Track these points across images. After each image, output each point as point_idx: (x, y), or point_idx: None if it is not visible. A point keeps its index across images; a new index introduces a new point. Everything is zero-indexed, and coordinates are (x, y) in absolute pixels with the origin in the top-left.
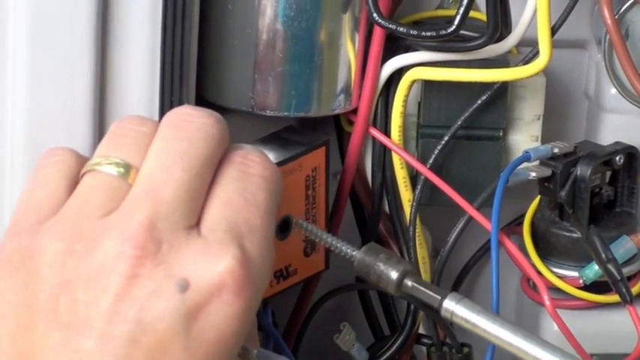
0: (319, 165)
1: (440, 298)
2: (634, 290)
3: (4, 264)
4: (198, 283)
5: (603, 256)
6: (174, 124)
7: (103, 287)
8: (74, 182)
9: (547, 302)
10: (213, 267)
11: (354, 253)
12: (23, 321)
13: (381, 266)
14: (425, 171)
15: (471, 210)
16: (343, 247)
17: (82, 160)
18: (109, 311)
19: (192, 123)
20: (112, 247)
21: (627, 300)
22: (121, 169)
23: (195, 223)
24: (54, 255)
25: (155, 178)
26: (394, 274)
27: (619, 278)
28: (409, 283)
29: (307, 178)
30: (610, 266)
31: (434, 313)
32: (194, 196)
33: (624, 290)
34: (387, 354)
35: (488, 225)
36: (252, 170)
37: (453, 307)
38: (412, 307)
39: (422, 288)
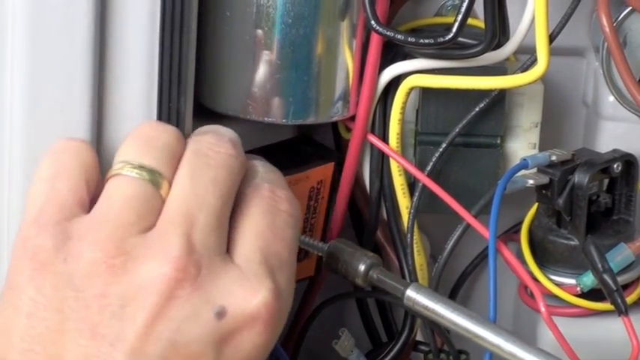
0: (325, 179)
1: (403, 288)
2: (632, 298)
3: (30, 259)
4: (235, 312)
5: (599, 266)
6: (202, 152)
7: (140, 305)
8: (92, 177)
9: (542, 309)
10: (250, 298)
11: (324, 248)
12: (53, 325)
13: (349, 259)
14: (423, 178)
15: (468, 217)
16: (314, 243)
17: (94, 154)
18: (144, 329)
19: (218, 153)
20: (154, 267)
21: (622, 311)
22: (156, 179)
23: (225, 249)
24: (91, 265)
25: (189, 202)
26: (361, 267)
27: (614, 289)
28: (375, 275)
29: (312, 190)
30: (606, 276)
31: (431, 321)
32: (223, 224)
33: (619, 301)
34: None
35: (486, 233)
36: (280, 206)
37: (415, 295)
38: (410, 314)
39: (386, 279)
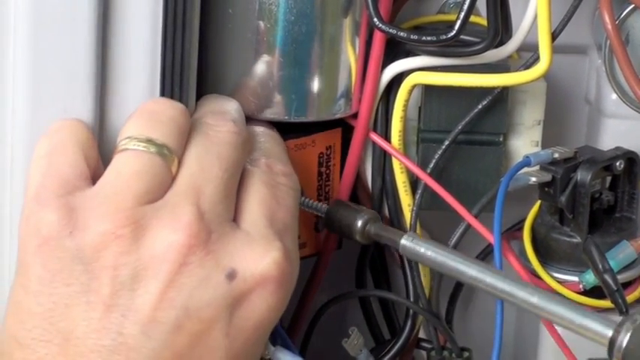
0: (335, 144)
1: (397, 238)
2: (633, 295)
3: (34, 235)
4: (246, 273)
5: (600, 266)
6: (206, 132)
7: (153, 274)
8: (90, 153)
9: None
10: (262, 259)
11: (324, 208)
12: (61, 300)
13: (347, 216)
14: (424, 176)
15: (469, 217)
16: (314, 204)
17: (91, 132)
18: (157, 297)
19: (221, 132)
20: (165, 236)
21: (623, 311)
22: (163, 152)
23: (233, 217)
24: (99, 236)
25: (196, 176)
26: (359, 222)
27: (615, 289)
28: (372, 229)
29: (321, 155)
30: (606, 276)
31: (434, 317)
32: (230, 194)
33: (620, 301)
34: (387, 357)
35: (486, 232)
36: (279, 179)
37: (409, 243)
38: (411, 310)
39: (382, 232)
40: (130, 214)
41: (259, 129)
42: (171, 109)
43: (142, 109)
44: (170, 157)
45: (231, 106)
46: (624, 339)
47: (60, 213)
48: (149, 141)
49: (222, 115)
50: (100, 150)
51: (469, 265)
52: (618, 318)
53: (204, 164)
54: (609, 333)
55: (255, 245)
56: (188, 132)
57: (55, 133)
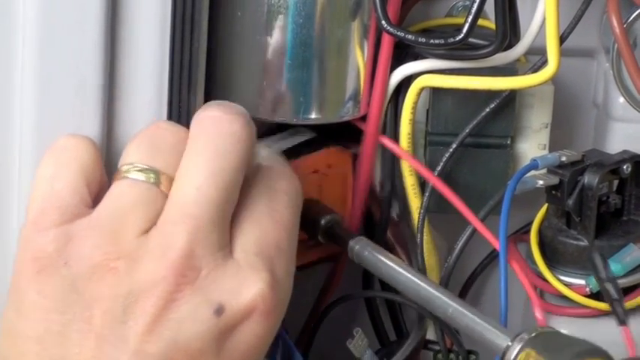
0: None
1: (348, 240)
2: None
3: (32, 262)
4: (232, 307)
5: (603, 274)
6: (204, 133)
7: (141, 307)
8: (93, 177)
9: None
10: (246, 291)
11: None
12: (55, 327)
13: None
14: (432, 179)
15: (474, 221)
16: None
17: (97, 152)
18: (145, 330)
19: (222, 133)
20: (153, 271)
21: (621, 321)
22: (163, 180)
23: (228, 241)
24: (92, 268)
25: (189, 200)
26: (322, 221)
27: (616, 298)
28: (330, 228)
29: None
30: (608, 285)
31: (441, 320)
32: (227, 215)
33: (619, 310)
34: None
35: (491, 237)
36: (277, 186)
37: (357, 246)
38: (419, 314)
39: (338, 232)
40: (123, 248)
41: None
42: (175, 136)
43: (146, 133)
44: (159, 174)
45: (235, 112)
46: (512, 353)
47: (57, 243)
48: (150, 170)
49: (227, 110)
50: (109, 152)
51: (400, 272)
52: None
53: (197, 181)
54: (503, 345)
55: (243, 277)
56: (183, 146)
57: (59, 153)
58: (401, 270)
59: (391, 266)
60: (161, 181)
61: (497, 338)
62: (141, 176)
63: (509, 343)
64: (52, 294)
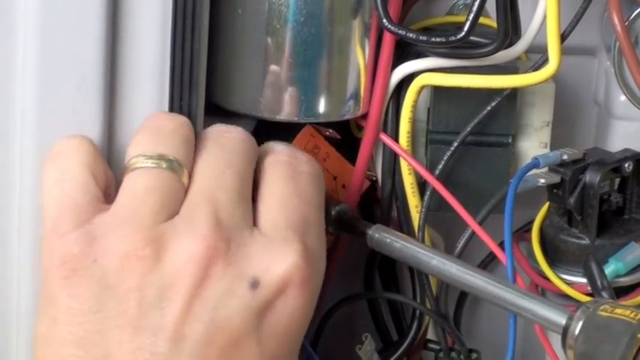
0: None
1: (365, 228)
2: None
3: (59, 267)
4: (267, 280)
5: (599, 283)
6: (214, 138)
7: (175, 290)
8: (98, 171)
9: None
10: (280, 264)
11: None
12: (92, 326)
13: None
14: (431, 179)
15: (472, 223)
16: None
17: (95, 147)
18: (182, 313)
19: (230, 138)
20: (184, 249)
21: None
22: (173, 165)
23: (252, 219)
24: (121, 259)
25: (209, 186)
26: (332, 212)
27: None
28: (344, 219)
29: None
30: (604, 294)
31: (442, 318)
32: (246, 198)
33: None
34: (393, 358)
35: (488, 239)
36: (300, 168)
37: (376, 234)
38: (418, 311)
39: (353, 222)
40: (149, 234)
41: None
42: (174, 121)
43: (146, 125)
44: (180, 169)
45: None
46: (577, 327)
47: (82, 244)
48: (158, 157)
49: (231, 126)
50: (111, 150)
51: (433, 256)
52: None
53: (214, 171)
54: (563, 321)
55: (275, 250)
56: (194, 142)
57: (60, 157)
58: (432, 255)
59: (421, 252)
60: (171, 165)
61: (551, 315)
62: (150, 163)
63: (567, 320)
64: (86, 295)
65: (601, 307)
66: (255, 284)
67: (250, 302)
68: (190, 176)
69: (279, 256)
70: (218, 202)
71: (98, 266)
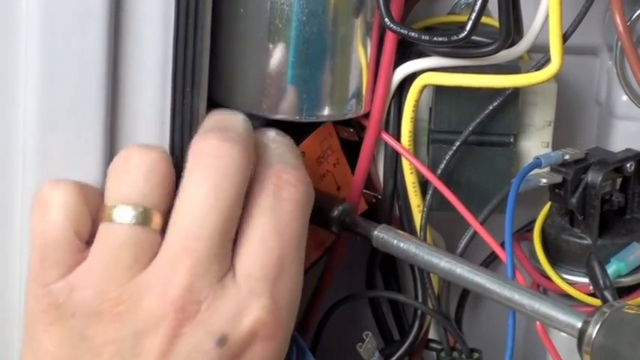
0: (329, 142)
1: (371, 229)
2: None
3: (39, 314)
4: (234, 336)
5: (601, 282)
6: (203, 163)
7: (148, 346)
8: (83, 223)
9: None
10: (246, 318)
11: None
12: None
13: (323, 205)
14: (432, 178)
15: (474, 223)
16: None
17: (85, 193)
18: None
19: (221, 158)
20: (155, 308)
21: None
22: (145, 217)
23: (230, 265)
24: (97, 315)
25: (190, 232)
26: (335, 212)
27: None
28: (347, 219)
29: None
30: (607, 293)
31: (443, 318)
32: (229, 238)
33: None
34: (395, 357)
35: (490, 239)
36: (284, 194)
37: (382, 234)
38: (419, 311)
39: (358, 222)
40: (122, 291)
41: (270, 134)
42: (148, 158)
43: (119, 165)
44: (157, 216)
45: (236, 121)
46: (594, 331)
47: (61, 297)
48: (130, 207)
49: (222, 134)
50: (111, 151)
51: (440, 257)
52: None
53: (197, 211)
54: (579, 324)
55: (242, 304)
56: (173, 177)
57: (44, 206)
58: (442, 256)
59: (432, 253)
60: (144, 217)
61: (567, 318)
62: (122, 218)
63: (583, 324)
64: (65, 344)
65: (626, 306)
66: (222, 341)
67: (218, 358)
68: (170, 212)
69: (245, 311)
70: (195, 254)
71: (76, 320)
